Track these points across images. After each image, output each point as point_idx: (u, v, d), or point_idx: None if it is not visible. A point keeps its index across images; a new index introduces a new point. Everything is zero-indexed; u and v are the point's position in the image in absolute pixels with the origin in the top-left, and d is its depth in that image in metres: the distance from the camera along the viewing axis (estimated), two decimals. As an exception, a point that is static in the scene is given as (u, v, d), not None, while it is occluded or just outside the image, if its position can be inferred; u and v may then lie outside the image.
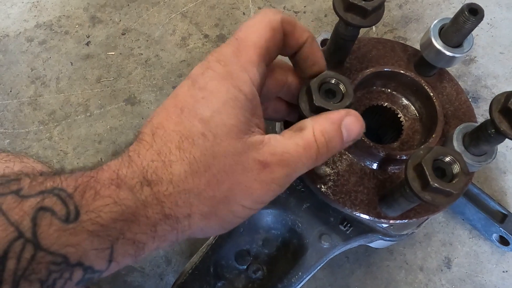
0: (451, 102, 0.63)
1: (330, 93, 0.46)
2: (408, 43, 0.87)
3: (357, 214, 0.56)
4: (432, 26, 0.59)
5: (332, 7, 0.53)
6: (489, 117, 0.52)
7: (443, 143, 0.59)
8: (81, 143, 0.91)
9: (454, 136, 0.57)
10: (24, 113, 0.94)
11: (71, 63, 0.98)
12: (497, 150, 0.58)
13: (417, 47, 0.64)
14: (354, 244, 0.65)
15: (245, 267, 0.64)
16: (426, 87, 0.60)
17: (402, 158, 0.56)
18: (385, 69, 0.61)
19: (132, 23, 1.02)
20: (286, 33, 0.45)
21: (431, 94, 0.59)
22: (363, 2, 0.51)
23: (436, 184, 0.43)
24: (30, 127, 0.92)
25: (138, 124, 0.93)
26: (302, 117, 0.46)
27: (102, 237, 0.34)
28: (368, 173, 0.58)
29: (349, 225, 0.63)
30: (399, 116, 0.63)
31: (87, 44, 1.00)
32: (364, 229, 0.63)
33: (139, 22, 1.02)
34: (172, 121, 0.40)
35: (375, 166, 0.58)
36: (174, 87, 0.95)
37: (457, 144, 0.57)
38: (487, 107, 0.91)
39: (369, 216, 0.56)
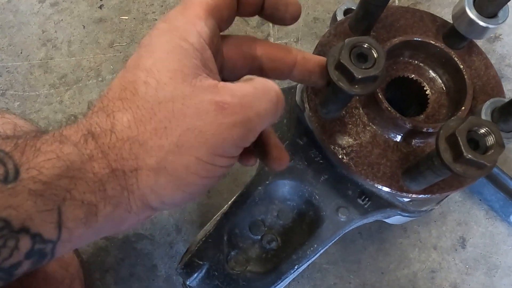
0: (480, 76, 0.61)
1: (362, 57, 0.44)
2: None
3: (379, 187, 0.55)
4: (466, -6, 0.56)
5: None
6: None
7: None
8: (92, 108, 0.90)
9: (483, 111, 0.55)
10: (34, 75, 0.92)
11: (83, 26, 0.96)
12: (526, 126, 0.56)
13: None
14: (371, 218, 0.64)
15: (259, 237, 0.63)
16: (456, 59, 0.58)
17: (429, 131, 0.54)
18: (415, 39, 0.58)
19: (147, -13, 0.99)
20: None
21: (461, 66, 0.57)
22: None
23: (470, 156, 0.41)
24: (41, 90, 0.91)
25: (151, 91, 0.91)
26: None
27: (46, 197, 0.31)
28: (392, 146, 0.56)
29: (367, 199, 0.61)
30: (425, 89, 0.61)
31: (100, 7, 0.98)
32: (383, 204, 0.62)
33: (154, -14, 0.99)
34: (117, 81, 0.37)
35: (399, 138, 0.57)
36: (188, 55, 0.93)
37: (485, 119, 0.55)
38: (511, 87, 0.89)
39: (391, 189, 0.54)
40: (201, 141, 0.35)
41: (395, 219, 0.68)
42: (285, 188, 0.64)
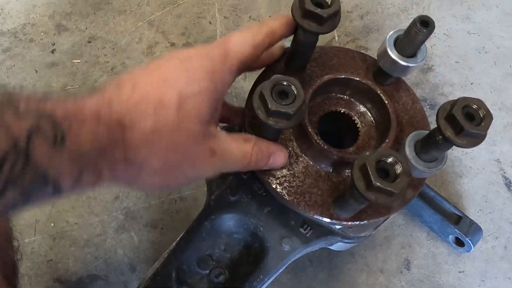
0: (407, 110, 0.66)
1: (283, 94, 0.48)
2: (369, 52, 0.89)
3: (310, 215, 0.58)
4: (387, 37, 0.61)
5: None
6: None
7: (397, 150, 0.61)
8: (45, 151, 0.90)
9: (407, 142, 0.59)
10: (-14, 120, 0.92)
11: (36, 71, 0.98)
12: (447, 156, 0.60)
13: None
14: (314, 247, 0.67)
15: (208, 271, 0.65)
16: (381, 95, 0.62)
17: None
18: (342, 76, 0.63)
19: (98, 31, 1.02)
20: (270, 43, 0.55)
21: (386, 101, 0.62)
22: (319, 9, 0.53)
23: (378, 184, 0.45)
24: (-7, 135, 0.91)
25: (104, 131, 0.92)
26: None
27: (77, 164, 0.40)
28: (323, 176, 0.60)
29: (309, 228, 0.64)
30: (356, 122, 0.65)
31: (52, 51, 1.00)
32: (324, 232, 0.64)
33: (106, 30, 1.02)
34: (154, 84, 0.46)
35: (330, 169, 0.60)
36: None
37: (409, 151, 0.59)
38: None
39: (321, 217, 0.58)
40: (194, 167, 0.50)
41: (338, 246, 0.71)
42: (231, 222, 0.66)
